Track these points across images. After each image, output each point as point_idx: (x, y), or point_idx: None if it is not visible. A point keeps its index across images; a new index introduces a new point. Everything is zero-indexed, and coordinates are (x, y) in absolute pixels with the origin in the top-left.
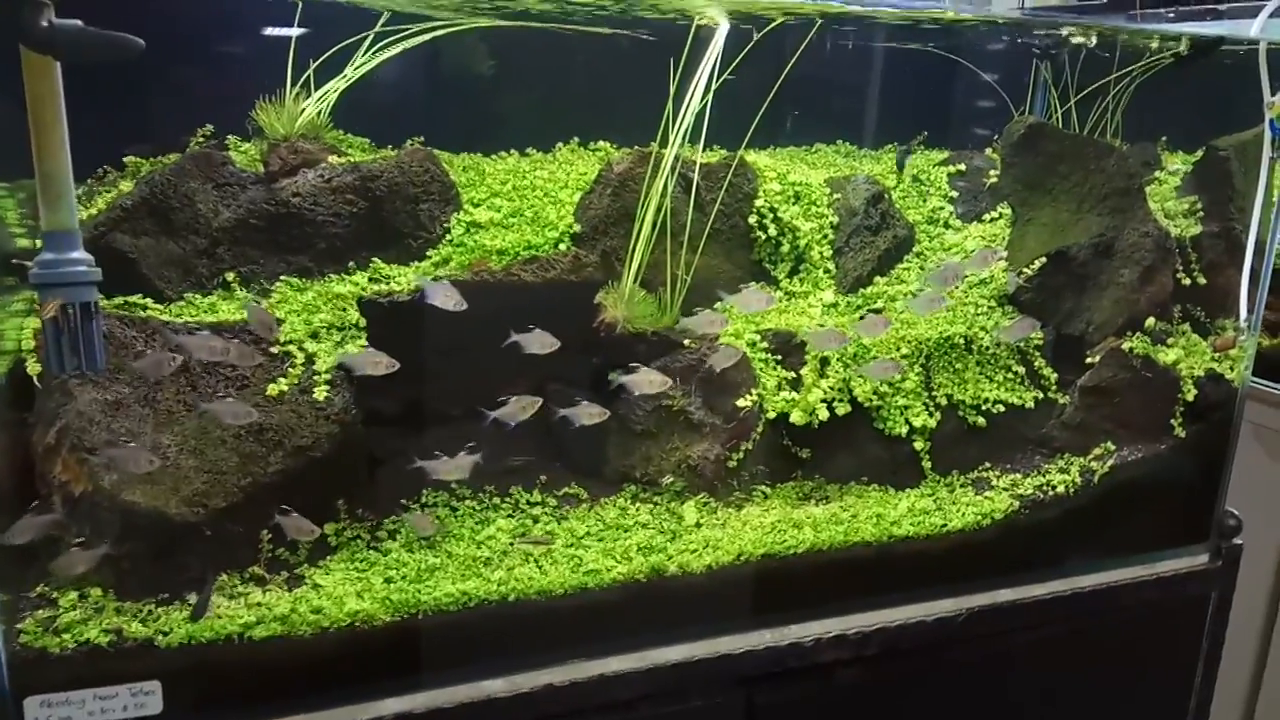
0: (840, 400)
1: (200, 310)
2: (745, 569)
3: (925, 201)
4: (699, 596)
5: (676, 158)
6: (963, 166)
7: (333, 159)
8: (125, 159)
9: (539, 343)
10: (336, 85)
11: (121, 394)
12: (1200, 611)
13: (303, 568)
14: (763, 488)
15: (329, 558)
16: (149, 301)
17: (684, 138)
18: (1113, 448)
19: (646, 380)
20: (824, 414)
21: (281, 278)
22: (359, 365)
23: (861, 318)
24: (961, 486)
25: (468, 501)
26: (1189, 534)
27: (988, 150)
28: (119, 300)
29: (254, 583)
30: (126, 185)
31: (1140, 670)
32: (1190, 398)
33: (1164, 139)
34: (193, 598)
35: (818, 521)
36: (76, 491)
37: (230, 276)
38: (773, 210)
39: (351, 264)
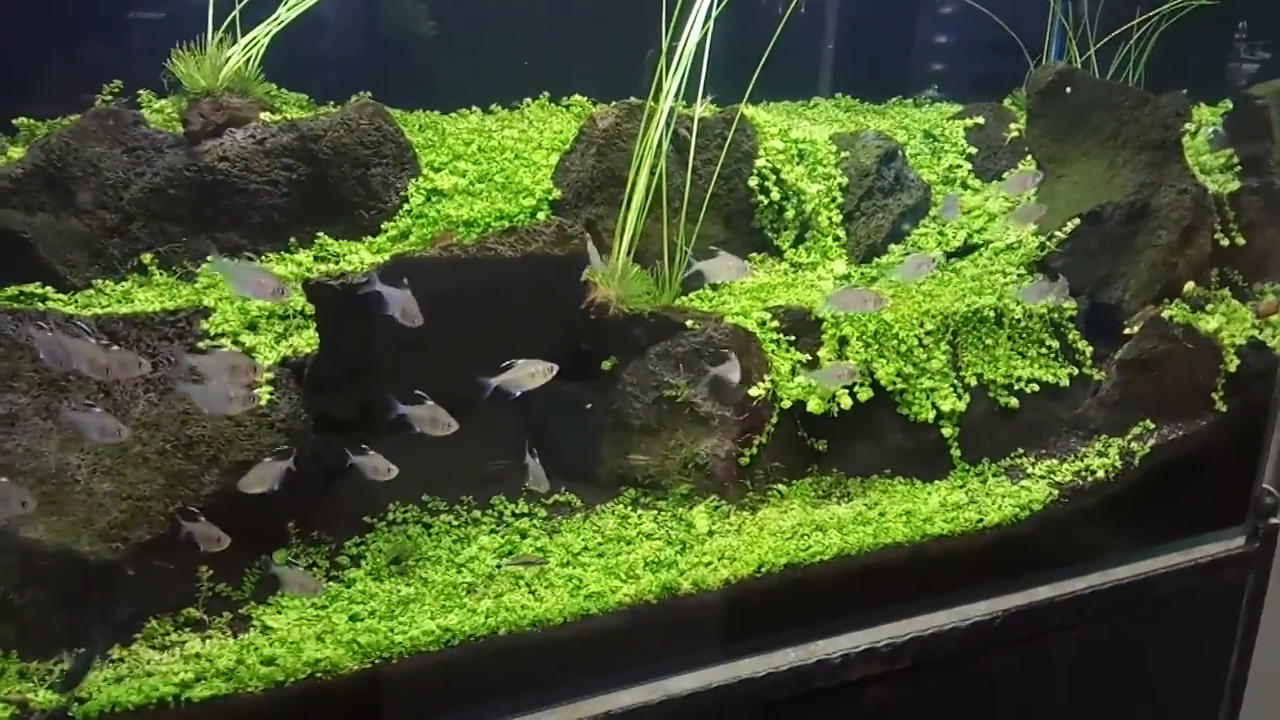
0: (861, 384)
1: (113, 300)
2: (766, 582)
3: (940, 159)
4: (715, 615)
5: (670, 109)
6: (980, 120)
7: (265, 116)
8: (15, 122)
9: (529, 376)
10: (268, 29)
11: (16, 404)
12: (1236, 597)
13: (248, 606)
14: (779, 486)
15: (281, 592)
16: (49, 291)
17: (680, 83)
18: (1152, 426)
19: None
20: (846, 400)
21: (209, 258)
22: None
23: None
24: (995, 476)
25: (443, 516)
26: (1226, 515)
27: (1005, 102)
28: (12, 290)
29: (190, 628)
30: (17, 152)
31: (1174, 661)
32: (1233, 368)
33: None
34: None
35: (843, 523)
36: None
37: (147, 258)
38: (775, 171)
39: (293, 241)
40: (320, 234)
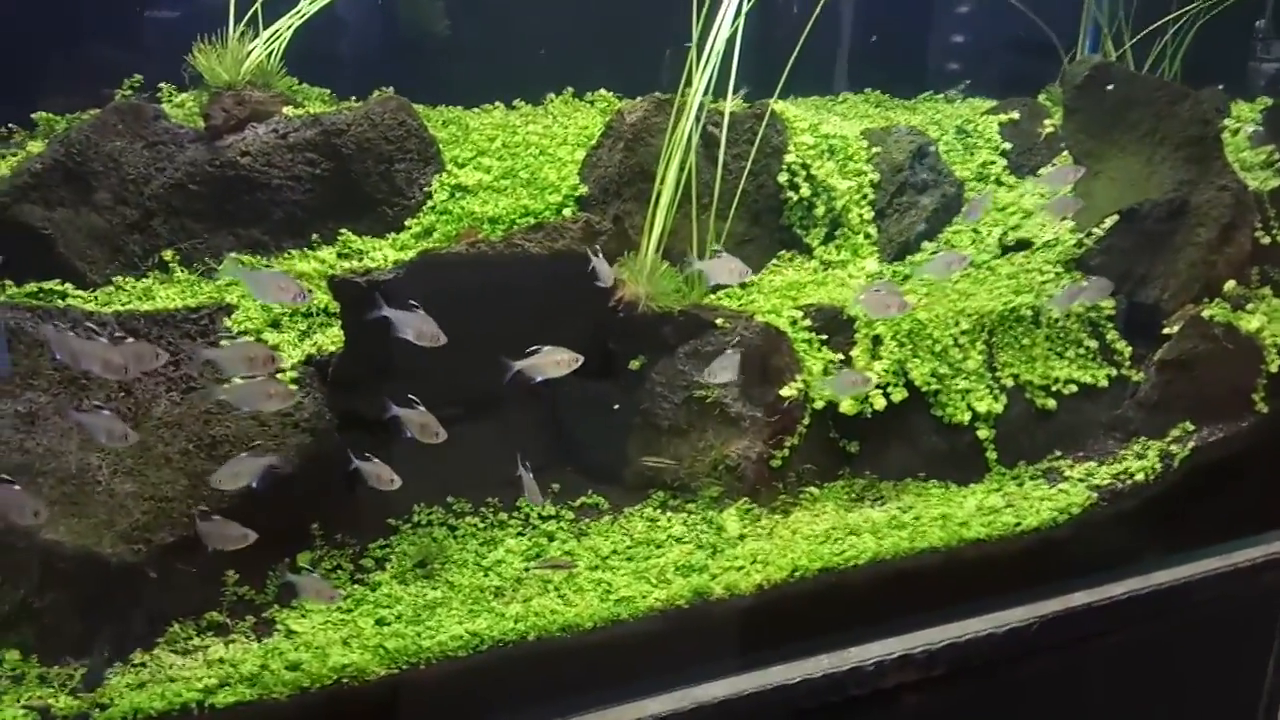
0: (895, 384)
1: (134, 297)
2: (800, 586)
3: (973, 155)
4: (748, 620)
5: (700, 104)
6: (1015, 115)
7: (288, 110)
8: (35, 116)
9: (553, 364)
10: (290, 22)
11: (36, 403)
12: (1275, 602)
13: (272, 610)
14: (811, 489)
15: (304, 595)
16: (69, 288)
17: (710, 77)
18: (1191, 428)
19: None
20: (879, 401)
21: (230, 255)
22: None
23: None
24: (1032, 479)
25: (469, 518)
26: (1267, 519)
27: (1039, 97)
28: (31, 287)
29: (213, 632)
30: (37, 146)
31: (1211, 668)
32: (1274, 369)
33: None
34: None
35: (877, 526)
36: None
37: (168, 255)
38: (805, 167)
39: (315, 237)
40: (343, 230)
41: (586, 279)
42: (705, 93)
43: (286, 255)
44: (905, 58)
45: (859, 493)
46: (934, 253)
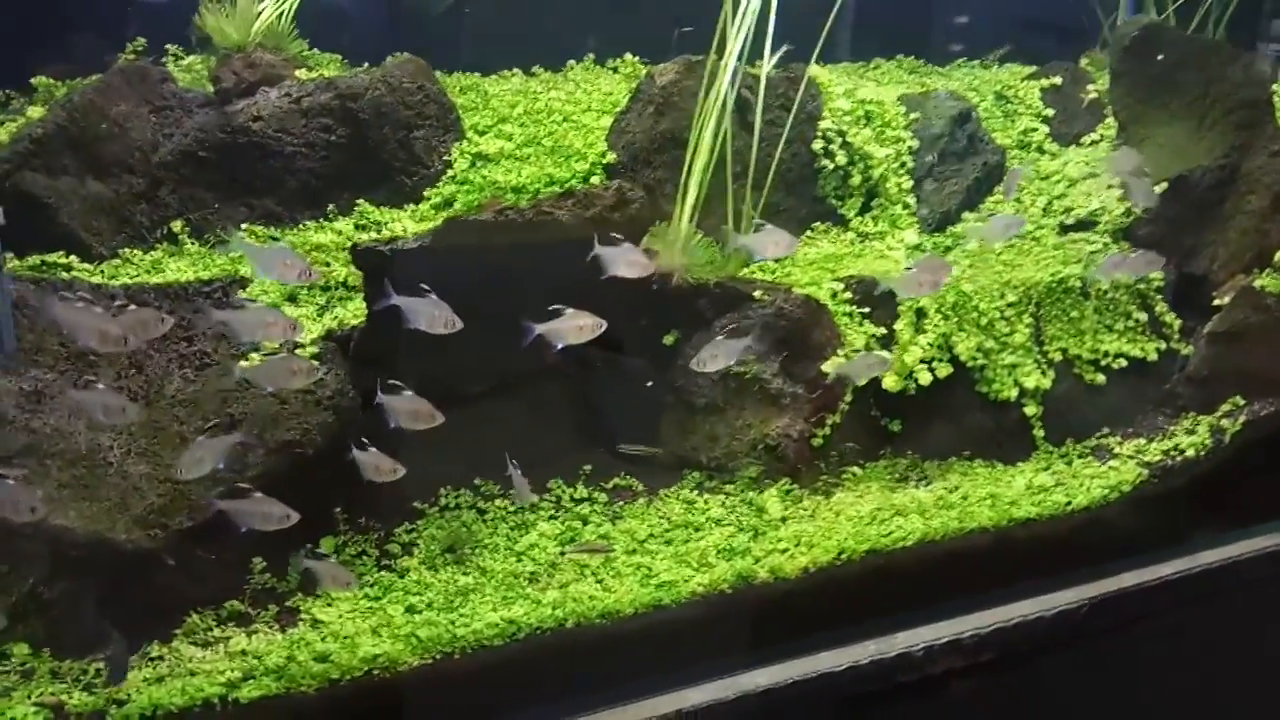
0: (940, 359)
1: (142, 270)
2: (847, 569)
3: (1014, 123)
4: (793, 605)
5: (736, 66)
6: (1058, 80)
7: (300, 74)
8: (34, 81)
9: (575, 330)
10: None
11: (42, 380)
12: None
13: (295, 599)
14: (853, 468)
15: (320, 582)
16: (74, 260)
17: (746, 37)
18: (1243, 402)
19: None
20: (925, 376)
21: (243, 226)
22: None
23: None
24: (1081, 457)
25: (498, 502)
26: None
27: (1082, 62)
28: (34, 260)
29: (234, 622)
30: (37, 112)
31: (1265, 648)
32: None
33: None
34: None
35: (924, 507)
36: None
37: (177, 226)
38: (841, 134)
39: (331, 208)
40: (360, 201)
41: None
42: (740, 55)
43: (302, 227)
44: (937, 23)
45: (902, 473)
46: (977, 220)
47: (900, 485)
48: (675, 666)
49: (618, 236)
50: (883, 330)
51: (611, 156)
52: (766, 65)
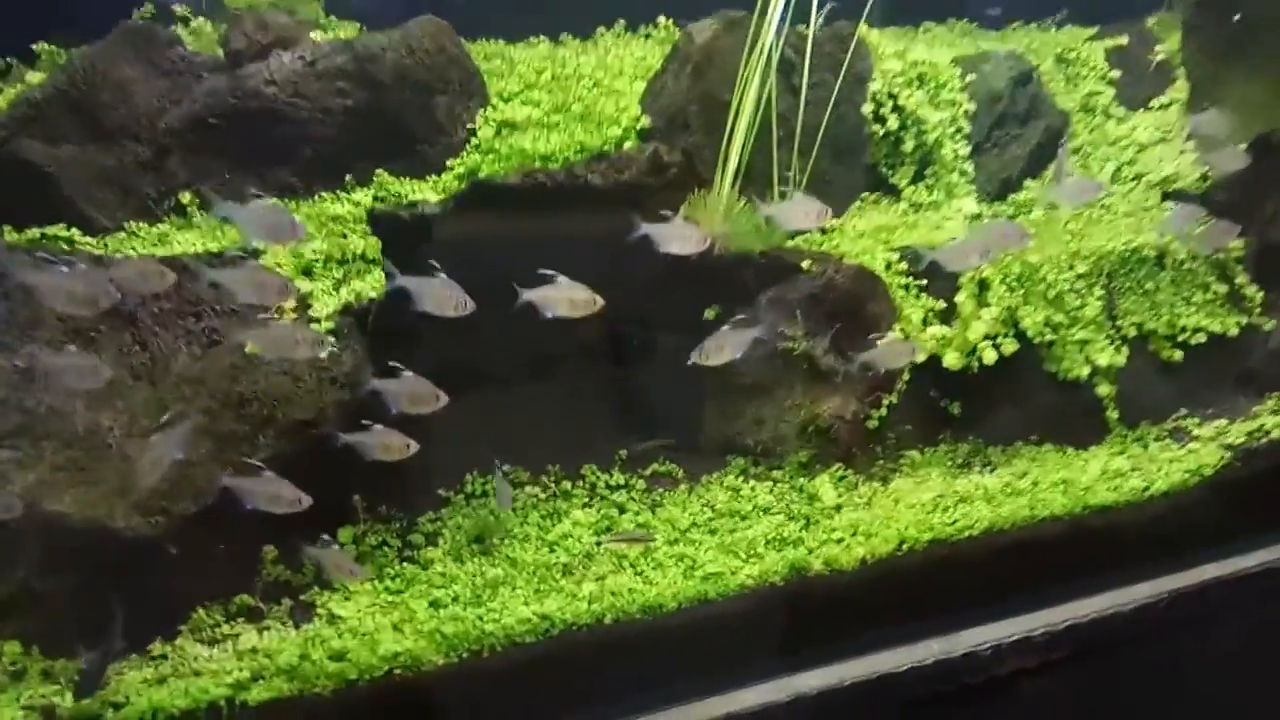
0: (1006, 335)
1: (148, 244)
2: (908, 560)
3: (1076, 86)
4: (850, 599)
5: (780, 22)
6: (1123, 40)
7: (315, 36)
8: (36, 47)
9: (566, 302)
10: None
11: (38, 357)
12: None
13: (311, 592)
14: (911, 453)
15: (324, 570)
16: (75, 234)
17: None
18: None
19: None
20: (989, 354)
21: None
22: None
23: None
24: (1157, 440)
25: (528, 488)
26: None
27: (1148, 22)
28: (34, 233)
29: (244, 618)
30: (38, 78)
31: None
32: None
33: None
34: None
35: (991, 494)
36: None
37: (186, 198)
38: (892, 96)
39: (349, 179)
40: (379, 171)
41: (653, 217)
42: (784, 12)
43: (319, 199)
44: None
45: (965, 458)
46: (1040, 187)
47: (963, 471)
48: (723, 666)
49: (667, 213)
50: (942, 304)
51: (646, 121)
52: (815, 22)
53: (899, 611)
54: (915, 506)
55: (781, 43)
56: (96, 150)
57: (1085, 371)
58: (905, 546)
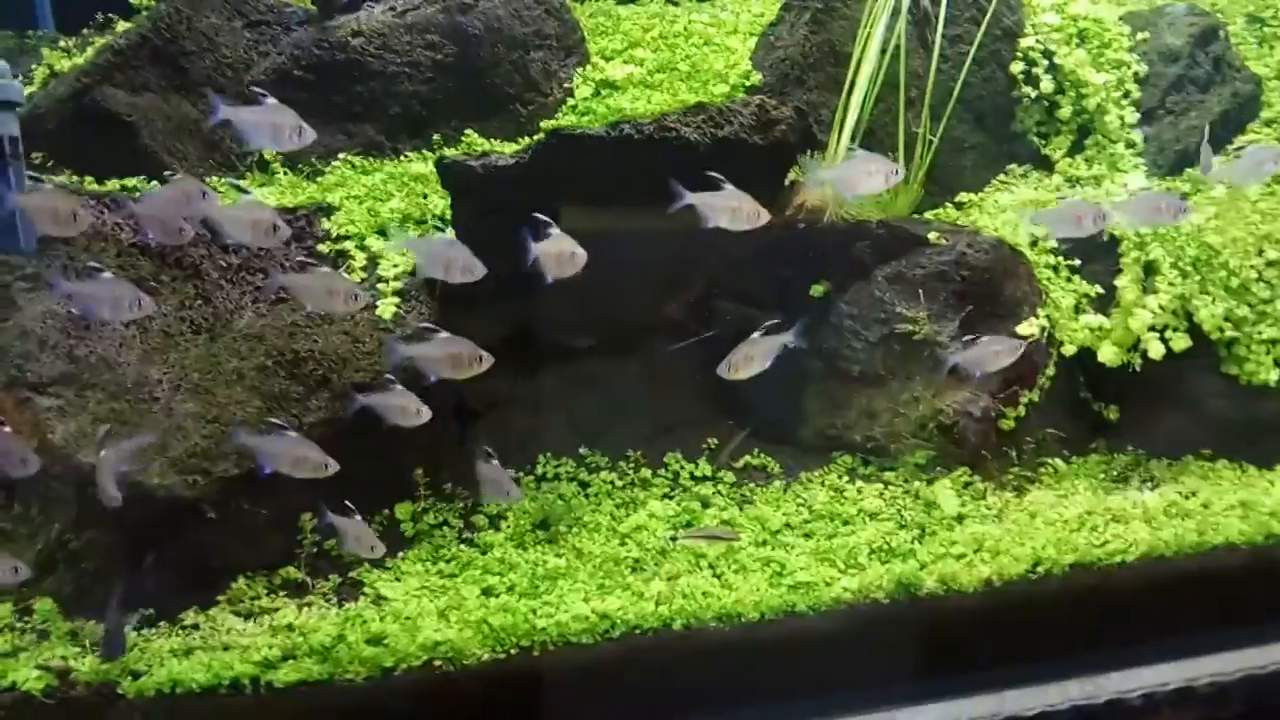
0: (1177, 328)
1: (229, 198)
2: (1043, 586)
3: (1272, 49)
4: (969, 626)
5: None
6: None
7: None
8: (133, 1)
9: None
10: None
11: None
12: None
13: (361, 570)
14: (1055, 461)
15: (403, 553)
16: (155, 186)
17: None
18: None
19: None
20: (1156, 349)
21: (341, 156)
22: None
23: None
24: None
25: (604, 474)
26: None
27: None
28: (112, 185)
29: (287, 592)
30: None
31: None
32: None
33: None
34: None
35: (1151, 514)
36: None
37: (270, 153)
38: (1048, 55)
39: (436, 138)
40: (468, 130)
41: (759, 179)
42: None
43: (404, 158)
44: None
45: (1121, 470)
46: (1224, 163)
47: (1118, 486)
48: (808, 691)
49: (717, 177)
50: (1099, 289)
51: (757, 77)
52: None
53: (1029, 645)
54: (1056, 523)
55: None
56: (179, 100)
57: (1273, 376)
58: (1041, 569)
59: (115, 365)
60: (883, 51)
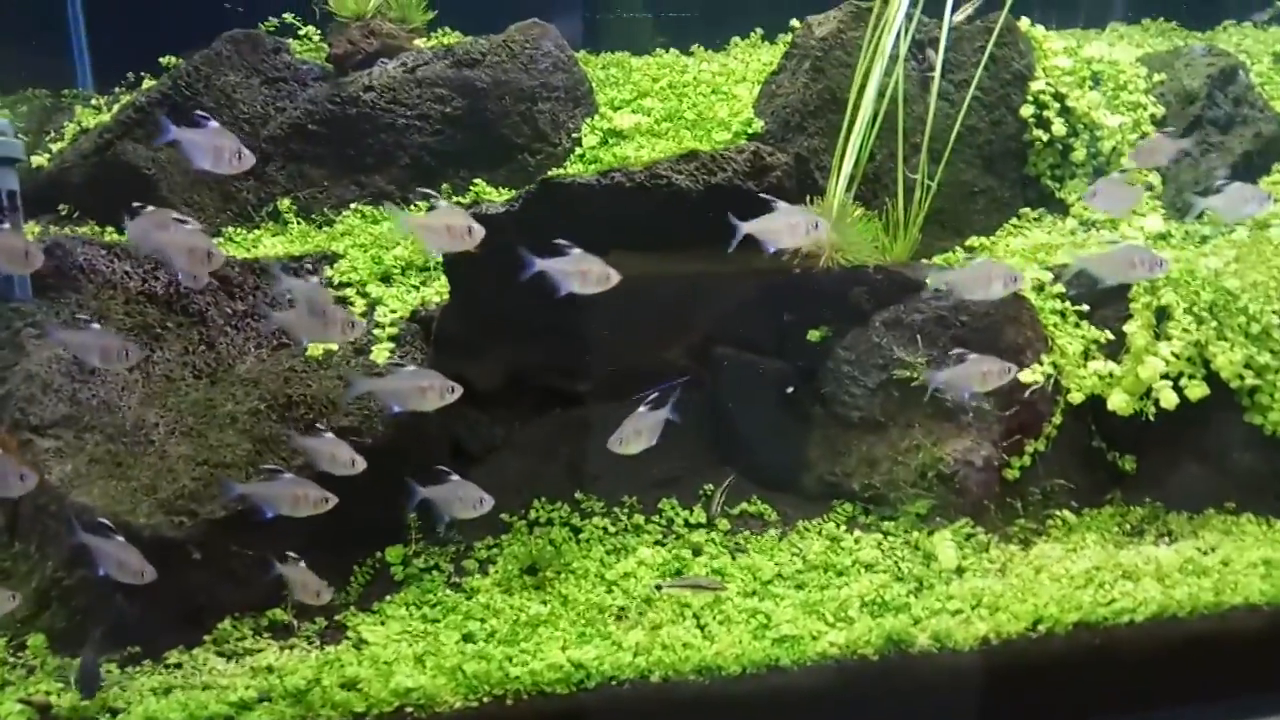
0: (1192, 375)
1: (242, 248)
2: (1045, 646)
3: None
4: (964, 687)
5: (910, 14)
6: None
7: (419, 43)
8: (163, 60)
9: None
10: None
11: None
12: None
13: (346, 613)
14: (1064, 513)
15: (390, 597)
16: None
17: None
18: None
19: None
20: (1169, 398)
21: (352, 206)
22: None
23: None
24: None
25: (597, 519)
26: None
27: None
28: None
29: (272, 633)
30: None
31: None
32: None
33: None
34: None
35: (1165, 571)
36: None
37: (284, 204)
38: (1059, 98)
39: (446, 187)
40: (477, 180)
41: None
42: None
43: (414, 207)
44: None
45: (1137, 523)
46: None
47: (1132, 540)
48: None
49: (770, 199)
50: (1108, 335)
51: (759, 125)
52: (950, 12)
53: (1026, 709)
54: (1062, 579)
55: (911, 33)
56: None
57: None
58: (1042, 627)
59: (115, 408)
60: (880, 95)
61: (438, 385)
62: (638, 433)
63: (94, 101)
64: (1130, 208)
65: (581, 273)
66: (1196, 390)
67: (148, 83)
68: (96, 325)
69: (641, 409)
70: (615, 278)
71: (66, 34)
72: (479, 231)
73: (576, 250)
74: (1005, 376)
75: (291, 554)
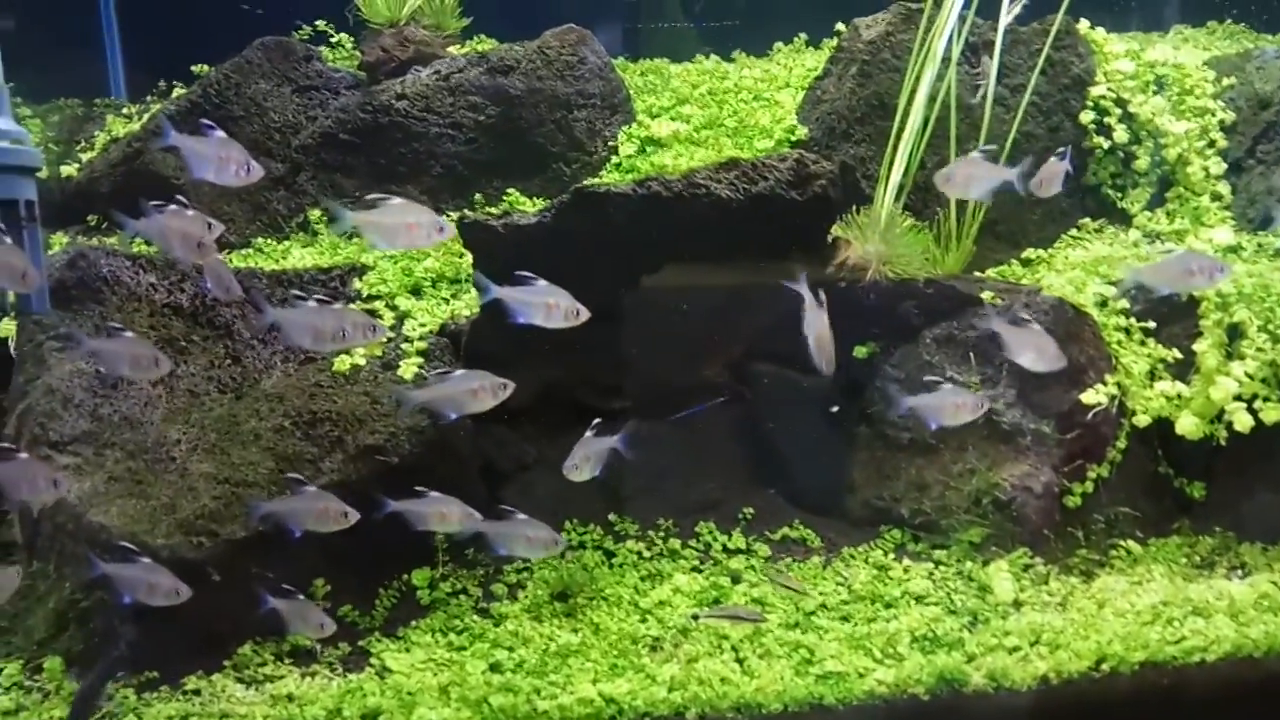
0: (1268, 397)
1: (271, 260)
2: (1109, 685)
3: None
4: None
5: (963, 16)
6: None
7: (452, 50)
8: (195, 69)
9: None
10: None
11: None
12: None
13: (371, 639)
14: (1128, 543)
15: (416, 622)
16: None
17: None
18: None
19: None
20: (1242, 421)
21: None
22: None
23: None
24: None
25: (631, 543)
26: None
27: None
28: (157, 249)
29: (294, 660)
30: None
31: None
32: None
33: None
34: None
35: (1239, 607)
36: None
37: (315, 215)
38: (1121, 103)
39: (479, 197)
40: (511, 190)
41: (797, 233)
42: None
43: (446, 218)
44: None
45: (1205, 555)
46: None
47: (1201, 573)
48: None
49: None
50: (1176, 353)
51: (803, 132)
52: (1005, 14)
53: None
54: (1127, 614)
55: (965, 35)
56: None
57: None
58: (1106, 666)
59: (138, 424)
60: (931, 100)
61: (489, 385)
62: (588, 458)
63: (125, 110)
64: (990, 190)
65: (547, 306)
66: (1273, 413)
67: (178, 91)
68: (129, 333)
69: (588, 434)
70: (584, 314)
71: (100, 43)
72: (450, 229)
73: (542, 282)
74: (978, 410)
75: (287, 586)
